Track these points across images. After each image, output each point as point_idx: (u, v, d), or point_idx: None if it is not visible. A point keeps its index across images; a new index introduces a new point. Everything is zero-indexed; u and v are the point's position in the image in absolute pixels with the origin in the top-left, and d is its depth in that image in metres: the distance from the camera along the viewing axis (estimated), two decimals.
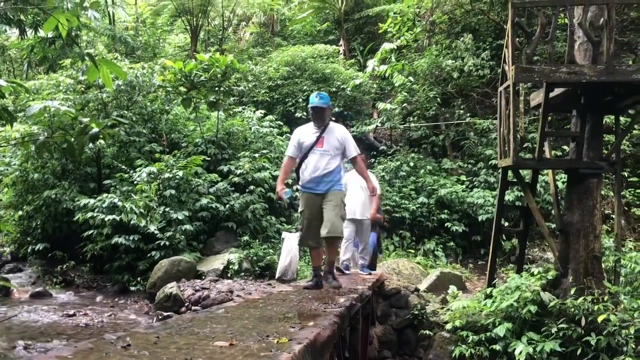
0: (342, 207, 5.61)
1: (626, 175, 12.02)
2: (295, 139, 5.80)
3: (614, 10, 6.67)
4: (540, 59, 12.71)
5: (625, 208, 11.71)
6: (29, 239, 12.34)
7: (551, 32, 7.06)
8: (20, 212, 12.07)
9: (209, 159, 12.70)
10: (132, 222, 10.25)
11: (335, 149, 5.62)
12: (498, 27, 14.53)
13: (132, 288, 10.64)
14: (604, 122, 7.53)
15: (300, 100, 16.42)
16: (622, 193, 10.43)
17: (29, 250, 12.01)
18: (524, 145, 12.75)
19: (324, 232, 5.44)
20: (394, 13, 15.91)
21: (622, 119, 8.74)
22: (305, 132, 5.76)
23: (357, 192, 7.77)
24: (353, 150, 5.70)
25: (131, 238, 10.53)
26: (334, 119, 6.40)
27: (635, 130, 12.26)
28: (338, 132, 5.71)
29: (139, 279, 10.69)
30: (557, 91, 7.09)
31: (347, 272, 7.64)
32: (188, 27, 19.95)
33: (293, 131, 6.11)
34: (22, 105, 13.16)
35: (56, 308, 9.09)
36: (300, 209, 5.79)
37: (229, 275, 10.37)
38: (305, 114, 15.14)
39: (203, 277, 10.16)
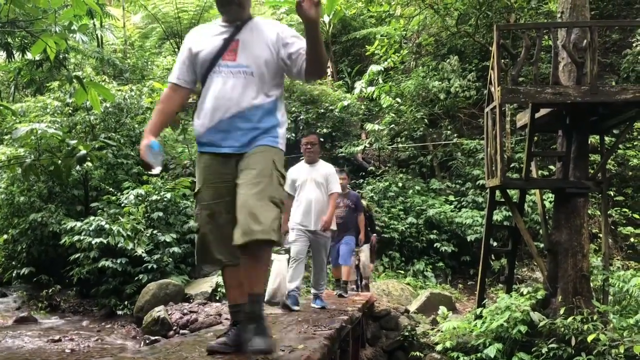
0: (278, 180, 2.75)
1: (612, 195, 12.13)
2: (187, 44, 3.04)
3: (596, 33, 6.81)
4: (525, 80, 12.88)
5: (612, 227, 11.80)
6: (13, 263, 12.15)
7: (536, 54, 7.17)
8: (5, 236, 11.90)
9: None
10: (119, 245, 10.15)
11: (263, 65, 2.81)
12: (483, 49, 14.73)
13: (119, 312, 10.49)
14: (589, 142, 7.62)
15: (289, 121, 16.46)
16: (608, 212, 10.52)
17: (13, 275, 11.82)
18: (511, 165, 12.85)
19: (238, 235, 2.59)
20: (381, 36, 16.09)
21: (607, 138, 8.86)
22: (203, 34, 2.99)
23: (312, 191, 5.84)
24: (302, 70, 2.83)
25: (118, 261, 10.41)
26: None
27: (620, 149, 12.42)
28: (269, 30, 2.89)
29: (126, 302, 10.54)
30: (543, 111, 7.18)
31: (295, 308, 5.52)
32: (176, 50, 20.00)
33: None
34: (9, 128, 13.07)
35: (41, 333, 8.93)
36: (196, 188, 2.91)
37: (217, 298, 10.25)
38: (294, 135, 15.17)
39: (191, 301, 10.05)
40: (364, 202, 9.21)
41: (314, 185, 5.86)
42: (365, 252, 9.20)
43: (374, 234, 9.73)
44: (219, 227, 2.74)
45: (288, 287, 5.54)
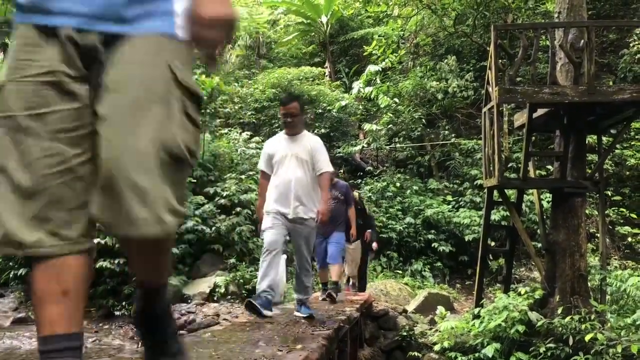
0: (182, 108, 1.35)
1: (609, 194, 12.15)
2: None
3: (593, 33, 6.82)
4: (523, 80, 12.89)
5: (610, 227, 11.81)
6: (10, 263, 12.11)
7: (533, 54, 7.18)
8: None
9: (194, 181, 12.63)
10: (116, 245, 10.13)
11: None
12: (481, 49, 14.74)
13: (117, 313, 10.46)
14: (586, 141, 7.64)
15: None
16: (606, 212, 10.53)
17: (10, 275, 11.78)
18: (509, 165, 12.85)
19: (104, 215, 1.32)
20: (379, 36, 16.11)
21: (604, 138, 8.87)
22: None
23: (292, 170, 4.71)
24: None
25: (116, 262, 10.38)
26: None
27: (618, 149, 12.44)
28: None
29: (124, 303, 10.51)
30: (541, 111, 7.19)
31: (265, 312, 4.39)
32: None
33: None
34: None
35: None
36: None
37: (215, 298, 10.24)
38: None
39: (189, 301, 10.04)
40: (355, 194, 8.46)
41: (295, 162, 4.69)
42: (355, 249, 8.37)
43: (369, 230, 8.77)
44: (35, 168, 1.32)
45: (258, 287, 4.57)
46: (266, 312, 4.37)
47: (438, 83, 14.88)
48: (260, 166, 5.04)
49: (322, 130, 15.76)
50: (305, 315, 4.84)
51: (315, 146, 4.79)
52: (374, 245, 9.10)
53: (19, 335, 8.76)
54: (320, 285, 7.63)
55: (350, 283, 8.98)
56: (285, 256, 7.37)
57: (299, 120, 4.85)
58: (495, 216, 11.50)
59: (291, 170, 4.69)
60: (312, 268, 5.02)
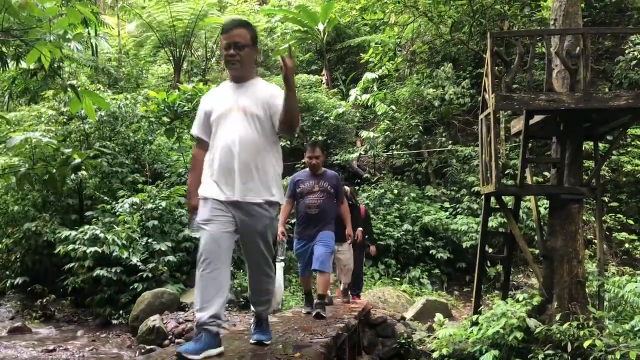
0: None
1: (607, 201, 12.18)
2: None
3: (589, 40, 6.85)
4: (519, 87, 12.94)
5: (607, 233, 11.83)
6: (7, 272, 12.07)
7: (529, 61, 7.21)
8: None
9: None
10: (114, 254, 10.11)
11: None
12: (477, 56, 14.80)
13: (114, 321, 10.43)
14: (583, 148, 7.66)
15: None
16: (603, 218, 10.55)
17: (7, 285, 11.75)
18: (506, 172, 12.88)
19: None
20: (375, 43, 16.17)
21: (600, 145, 8.91)
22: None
23: (237, 127, 3.28)
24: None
25: (113, 270, 10.35)
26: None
27: (614, 155, 12.48)
28: None
29: (121, 312, 10.48)
30: (537, 118, 7.22)
31: (205, 354, 3.09)
32: (171, 58, 20.03)
33: None
34: (3, 137, 13.04)
35: (35, 343, 8.86)
36: None
37: None
38: (288, 142, 15.19)
39: (187, 309, 10.00)
40: (346, 189, 7.67)
41: (242, 116, 3.25)
42: (345, 253, 7.48)
43: (360, 229, 8.08)
44: None
45: (198, 317, 3.18)
46: (208, 354, 3.06)
47: (435, 90, 14.93)
48: (193, 131, 3.48)
49: (320, 138, 15.80)
50: (255, 342, 3.56)
51: (272, 92, 3.34)
52: (372, 249, 8.88)
53: (15, 344, 8.71)
54: (303, 296, 6.53)
55: (342, 289, 7.88)
56: (282, 263, 7.29)
57: (247, 57, 3.34)
58: (492, 223, 11.50)
59: (236, 128, 3.22)
60: (274, 271, 3.60)
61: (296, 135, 15.37)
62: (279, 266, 9.39)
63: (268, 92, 3.36)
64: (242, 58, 3.31)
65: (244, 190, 3.21)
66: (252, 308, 3.78)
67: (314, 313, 5.59)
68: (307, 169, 6.04)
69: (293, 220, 6.74)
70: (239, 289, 10.68)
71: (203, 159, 3.35)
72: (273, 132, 3.34)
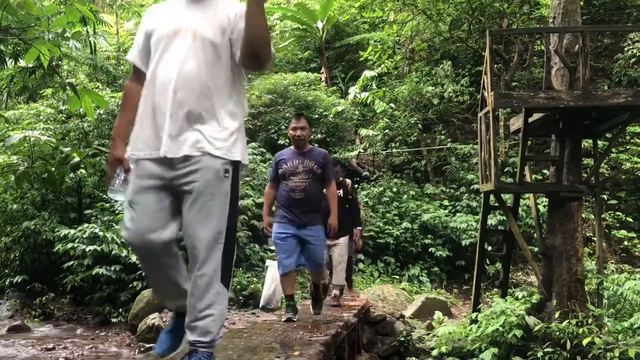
0: None
1: (606, 198, 12.19)
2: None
3: (588, 38, 6.85)
4: (518, 84, 12.94)
5: (606, 231, 11.85)
6: (6, 271, 12.06)
7: (528, 59, 7.21)
8: None
9: None
10: (113, 252, 10.10)
11: None
12: (476, 54, 14.80)
13: (114, 320, 10.42)
14: (582, 146, 7.66)
15: (283, 127, 16.47)
16: (602, 216, 10.57)
17: (6, 283, 11.74)
18: (505, 170, 12.88)
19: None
20: (374, 41, 16.15)
21: (600, 142, 8.92)
22: None
23: (179, 56, 2.43)
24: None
25: (112, 268, 10.35)
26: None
27: (613, 153, 12.49)
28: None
29: (120, 310, 10.48)
30: (536, 116, 7.22)
31: None
32: None
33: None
34: (2, 135, 13.02)
35: (35, 342, 8.87)
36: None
37: None
38: (287, 141, 15.17)
39: None
40: (348, 182, 7.44)
41: (190, 42, 2.43)
42: (340, 247, 6.91)
43: (358, 227, 7.64)
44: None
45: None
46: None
47: (434, 88, 14.92)
48: (128, 55, 2.70)
49: (319, 136, 15.80)
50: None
51: (237, 12, 2.47)
52: (359, 242, 7.85)
53: (14, 343, 8.72)
54: (285, 301, 5.76)
55: (332, 294, 6.87)
56: (274, 262, 7.19)
57: None
58: (491, 221, 11.51)
59: (178, 57, 2.40)
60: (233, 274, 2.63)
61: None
62: (275, 263, 9.35)
63: (231, 11, 2.50)
64: None
65: (177, 139, 2.37)
66: (186, 320, 2.50)
67: (284, 318, 5.03)
68: (292, 147, 5.33)
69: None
70: (238, 287, 10.69)
71: (139, 96, 2.50)
72: (234, 66, 2.50)
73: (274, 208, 5.39)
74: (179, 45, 2.43)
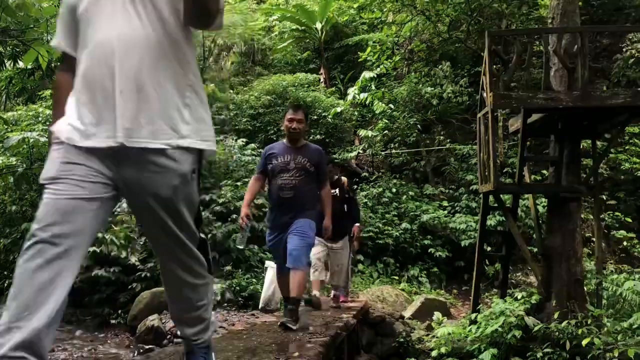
0: None
1: (605, 199, 12.19)
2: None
3: (587, 38, 6.86)
4: (517, 85, 12.95)
5: (605, 231, 11.85)
6: (5, 272, 12.05)
7: (527, 60, 7.23)
8: None
9: None
10: (112, 253, 10.09)
11: None
12: (475, 54, 14.80)
13: (113, 321, 10.41)
14: (581, 146, 7.67)
15: (282, 128, 16.50)
16: (601, 216, 10.57)
17: (5, 285, 11.73)
18: (504, 170, 12.88)
19: None
20: (373, 42, 16.16)
21: (598, 143, 8.91)
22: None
23: (116, 20, 1.92)
24: None
25: (111, 270, 10.35)
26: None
27: (612, 154, 12.49)
28: None
29: (119, 311, 10.47)
30: (535, 117, 7.22)
31: None
32: None
33: None
34: (1, 137, 13.02)
35: None
36: None
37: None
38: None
39: None
40: (344, 179, 7.28)
41: (122, 2, 1.92)
42: (340, 251, 6.95)
43: (357, 225, 7.29)
44: None
45: None
46: None
47: (433, 89, 14.92)
48: (52, 42, 2.16)
49: (318, 137, 15.80)
50: None
51: None
52: (355, 243, 7.41)
53: None
54: (282, 302, 5.62)
55: (333, 294, 7.11)
56: (273, 263, 7.16)
57: None
58: (491, 221, 11.51)
59: (113, 23, 1.91)
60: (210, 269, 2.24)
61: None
62: (273, 264, 9.32)
63: None
64: None
65: (132, 128, 1.87)
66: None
67: (280, 321, 4.52)
68: (284, 141, 4.95)
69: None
70: (237, 288, 10.68)
71: (71, 87, 1.99)
72: (178, 25, 1.98)
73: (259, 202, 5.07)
74: (112, 7, 1.91)
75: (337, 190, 6.84)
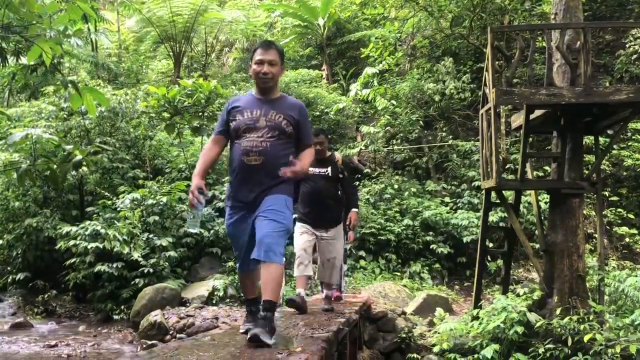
0: None
1: (607, 195, 12.18)
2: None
3: (589, 34, 6.85)
4: (519, 81, 12.93)
5: (607, 227, 11.85)
6: (9, 268, 12.11)
7: (530, 56, 7.21)
8: (0, 241, 11.86)
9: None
10: (115, 249, 10.13)
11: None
12: (478, 50, 14.77)
13: (116, 317, 10.46)
14: (583, 142, 7.66)
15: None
16: (603, 212, 10.56)
17: (9, 280, 11.78)
18: (507, 167, 12.88)
19: None
20: (376, 38, 16.12)
21: (601, 139, 8.91)
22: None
23: None
24: None
25: (114, 266, 10.38)
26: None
27: (615, 150, 12.48)
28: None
29: (122, 307, 10.51)
30: (538, 113, 7.21)
31: None
32: (171, 53, 20.00)
33: None
34: (4, 133, 13.04)
35: (37, 339, 8.90)
36: None
37: (214, 301, 10.24)
38: None
39: (188, 304, 10.03)
40: (354, 158, 6.48)
41: None
42: (334, 240, 5.84)
43: (354, 209, 6.12)
44: None
45: None
46: None
47: (435, 85, 14.91)
48: None
49: None
50: None
51: None
52: (350, 234, 6.29)
53: (17, 339, 8.74)
54: (245, 303, 4.01)
55: (324, 294, 6.12)
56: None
57: None
58: (493, 217, 11.51)
59: None
60: None
61: None
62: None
63: None
64: None
65: None
66: None
67: (249, 334, 3.24)
68: (252, 91, 3.84)
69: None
70: (239, 284, 10.70)
71: None
72: None
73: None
74: None
75: (328, 168, 5.73)
